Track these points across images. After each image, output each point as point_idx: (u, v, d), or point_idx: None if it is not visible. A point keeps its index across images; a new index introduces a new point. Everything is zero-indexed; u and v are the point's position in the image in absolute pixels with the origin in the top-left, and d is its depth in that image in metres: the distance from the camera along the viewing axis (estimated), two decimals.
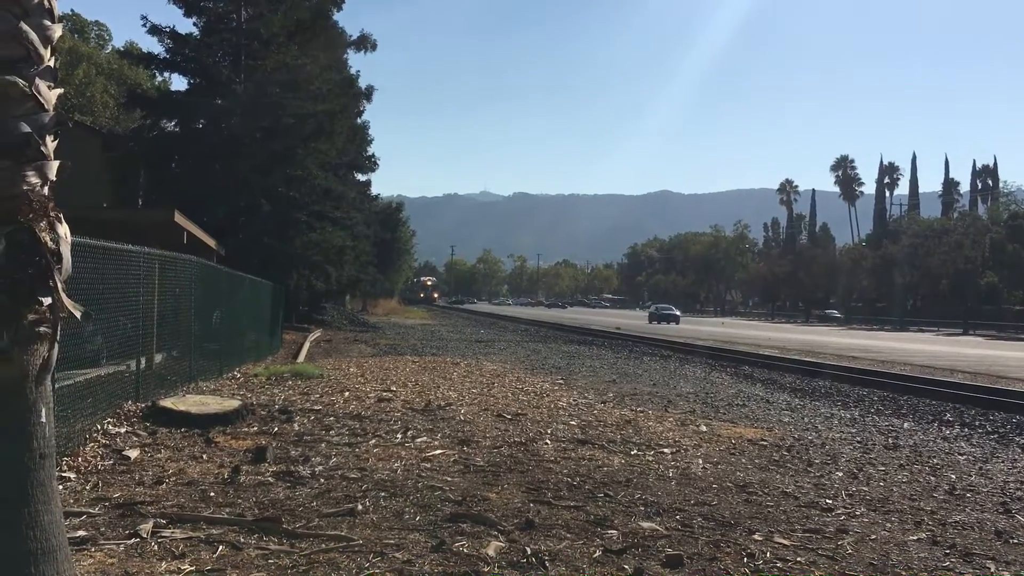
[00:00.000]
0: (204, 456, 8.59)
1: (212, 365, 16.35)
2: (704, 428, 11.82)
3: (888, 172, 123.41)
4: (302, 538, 5.72)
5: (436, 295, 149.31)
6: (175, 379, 13.74)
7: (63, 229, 4.11)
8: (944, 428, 13.17)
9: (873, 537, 6.36)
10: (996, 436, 12.45)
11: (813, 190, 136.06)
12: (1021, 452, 11.05)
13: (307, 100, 33.09)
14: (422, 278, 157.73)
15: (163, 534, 5.71)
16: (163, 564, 5.14)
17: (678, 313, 73.84)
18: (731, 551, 5.81)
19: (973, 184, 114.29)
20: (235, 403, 11.44)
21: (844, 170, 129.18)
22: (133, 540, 5.56)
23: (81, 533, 5.62)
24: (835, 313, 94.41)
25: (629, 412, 13.24)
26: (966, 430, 12.99)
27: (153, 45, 58.43)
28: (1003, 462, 10.18)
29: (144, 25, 32.87)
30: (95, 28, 55.80)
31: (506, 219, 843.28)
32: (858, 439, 11.50)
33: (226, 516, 6.22)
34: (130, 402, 11.00)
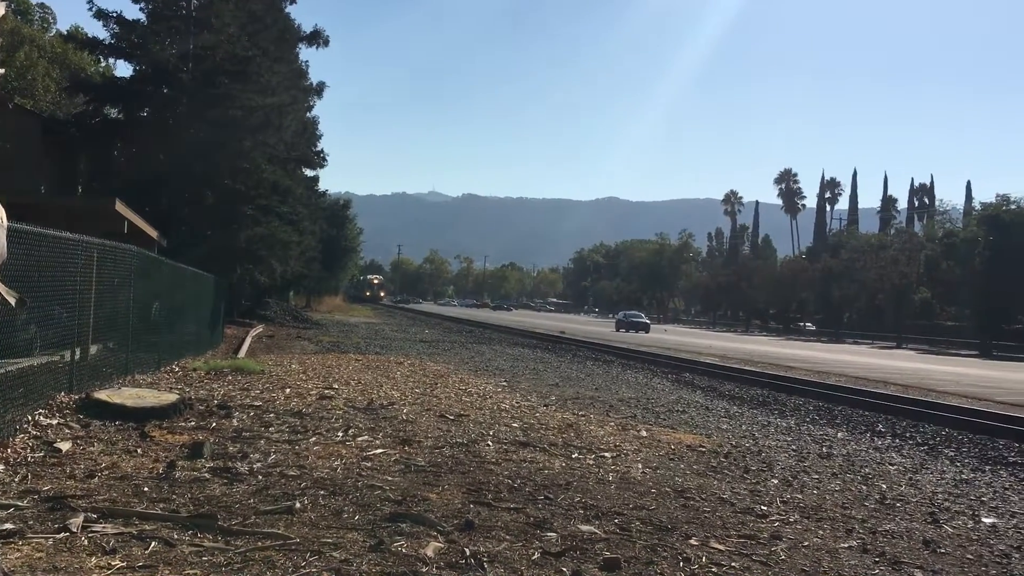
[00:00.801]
0: (139, 450, 8.42)
1: (150, 358, 16.06)
2: (644, 433, 11.93)
3: (829, 187, 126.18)
4: (238, 535, 5.63)
5: (383, 294, 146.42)
6: (111, 371, 13.46)
7: None
8: (876, 439, 13.48)
9: (806, 544, 6.48)
10: (926, 448, 12.79)
11: (757, 202, 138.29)
12: (949, 464, 11.37)
13: (256, 92, 32.68)
14: (369, 276, 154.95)
15: (94, 529, 5.59)
16: (93, 559, 5.02)
17: (648, 321, 67.77)
18: (668, 555, 5.87)
19: (910, 202, 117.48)
20: (172, 397, 11.24)
21: (787, 183, 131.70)
22: (62, 534, 5.43)
23: (8, 526, 5.47)
24: (809, 326, 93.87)
25: (571, 416, 13.30)
26: (897, 441, 13.32)
27: (98, 30, 57.12)
28: (932, 473, 10.46)
29: (90, 9, 32.22)
30: (39, 11, 54.32)
31: (454, 220, 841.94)
32: (793, 447, 11.72)
33: (160, 512, 6.11)
34: (63, 393, 10.76)
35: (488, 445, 9.97)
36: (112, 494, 6.59)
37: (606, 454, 9.90)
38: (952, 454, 12.27)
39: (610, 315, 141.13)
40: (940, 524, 7.56)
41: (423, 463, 8.57)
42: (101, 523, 5.73)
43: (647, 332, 61.70)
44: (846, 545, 6.56)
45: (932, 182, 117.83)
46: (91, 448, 8.35)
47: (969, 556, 6.51)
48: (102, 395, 10.66)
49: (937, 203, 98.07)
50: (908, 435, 14.02)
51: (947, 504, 8.51)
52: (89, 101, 34.05)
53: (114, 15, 32.51)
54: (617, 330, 63.92)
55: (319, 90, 46.90)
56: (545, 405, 14.65)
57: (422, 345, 32.08)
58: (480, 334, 45.64)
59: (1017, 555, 6.64)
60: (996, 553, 6.65)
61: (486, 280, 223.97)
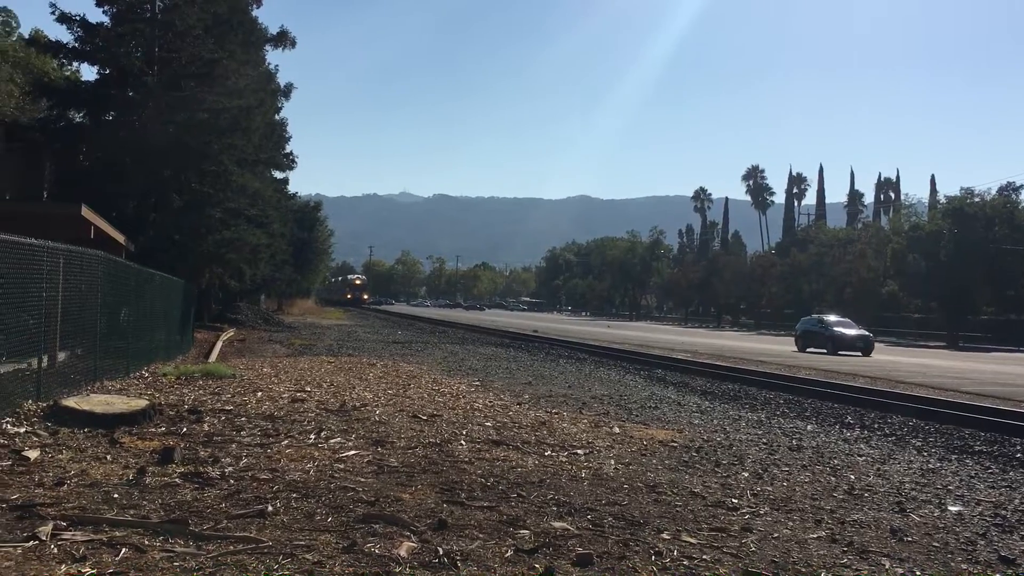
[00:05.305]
0: (108, 457, 8.35)
1: (119, 364, 15.92)
2: (617, 430, 12.00)
3: (797, 182, 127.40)
4: (209, 540, 5.61)
5: (366, 296, 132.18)
6: (79, 378, 13.34)
7: None
8: (845, 430, 13.64)
9: (776, 535, 6.57)
10: (894, 438, 12.96)
11: (726, 198, 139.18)
12: (916, 454, 11.54)
13: (223, 95, 32.44)
14: (350, 276, 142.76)
15: (63, 536, 5.54)
16: (63, 567, 4.99)
17: (868, 333, 40.14)
18: (640, 550, 5.93)
19: (877, 196, 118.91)
20: (142, 403, 11.15)
21: (755, 179, 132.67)
22: (31, 543, 5.38)
23: None
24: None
25: (544, 413, 13.35)
26: (866, 432, 13.49)
27: (62, 34, 56.46)
28: (899, 463, 10.61)
29: (53, 13, 31.80)
30: (1, 15, 53.59)
31: (426, 220, 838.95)
32: (764, 440, 11.83)
33: (130, 518, 6.07)
34: (31, 401, 10.65)
35: (461, 444, 9.99)
36: (81, 501, 6.54)
37: (579, 451, 9.96)
38: (919, 444, 12.45)
39: (583, 312, 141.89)
40: (907, 513, 7.68)
41: (396, 464, 8.58)
42: (71, 531, 5.68)
43: (868, 355, 37.00)
44: (815, 536, 6.65)
45: (898, 176, 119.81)
46: (60, 456, 8.27)
47: (935, 544, 6.62)
48: (70, 402, 10.56)
49: (903, 196, 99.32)
50: (876, 426, 14.20)
51: (914, 493, 8.64)
52: (53, 105, 33.61)
53: (77, 18, 32.13)
54: (803, 349, 40.27)
55: (287, 92, 46.67)
56: (518, 403, 14.68)
57: (395, 346, 32.01)
58: (453, 334, 45.59)
59: (983, 542, 6.77)
60: (962, 540, 6.77)
61: (459, 280, 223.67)
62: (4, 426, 9.26)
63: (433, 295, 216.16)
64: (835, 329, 39.57)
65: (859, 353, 37.19)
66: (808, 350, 39.44)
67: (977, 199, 62.51)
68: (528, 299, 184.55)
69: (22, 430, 9.30)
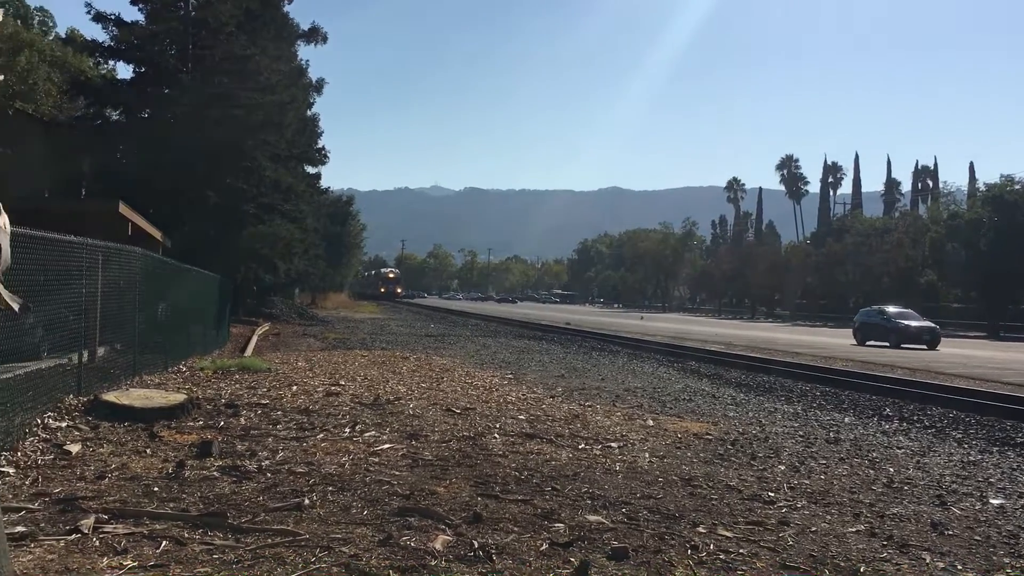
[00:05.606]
0: (148, 451, 8.47)
1: (157, 359, 16.12)
2: (651, 422, 11.95)
3: (832, 172, 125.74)
4: (248, 533, 5.67)
5: (399, 290, 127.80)
6: (118, 372, 13.52)
7: (2, 219, 4.02)
8: (883, 422, 13.47)
9: (813, 529, 6.50)
10: (933, 430, 12.77)
11: (760, 188, 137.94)
12: (957, 446, 11.36)
13: (256, 91, 32.72)
14: (383, 270, 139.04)
15: (105, 529, 5.63)
16: (104, 560, 5.06)
17: (934, 325, 37.63)
18: (675, 543, 5.90)
19: (914, 184, 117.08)
20: (180, 397, 11.29)
21: (789, 169, 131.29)
22: (74, 536, 5.47)
23: (20, 529, 5.51)
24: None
25: (577, 406, 13.33)
26: (904, 424, 13.31)
27: (98, 32, 57.16)
28: (939, 456, 10.46)
29: (88, 12, 32.27)
30: (38, 15, 54.38)
31: (457, 214, 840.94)
32: (800, 433, 11.72)
33: (170, 511, 6.15)
34: (72, 396, 10.81)
35: (495, 438, 10.00)
36: (122, 495, 6.63)
37: (613, 444, 9.93)
38: (960, 436, 12.26)
39: (615, 304, 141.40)
40: (948, 506, 7.57)
41: (430, 457, 8.61)
42: (112, 524, 5.77)
43: (935, 348, 34.84)
44: (854, 529, 6.57)
45: (936, 164, 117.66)
46: (100, 449, 8.40)
47: (977, 537, 6.52)
48: (110, 396, 10.71)
49: (941, 185, 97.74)
50: (915, 418, 14.01)
51: (955, 486, 8.51)
52: (90, 104, 34.14)
53: (112, 17, 32.58)
54: (862, 342, 37.81)
55: (319, 87, 46.94)
56: (551, 396, 14.67)
57: (428, 339, 32.11)
58: (485, 327, 45.64)
59: None
60: (1004, 534, 6.66)
61: (490, 273, 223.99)
62: (46, 420, 9.42)
63: (465, 288, 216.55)
64: (898, 321, 37.27)
65: (925, 346, 35.17)
66: (868, 343, 37.30)
67: (1018, 186, 61.35)
68: (560, 291, 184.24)
69: (64, 424, 9.45)
